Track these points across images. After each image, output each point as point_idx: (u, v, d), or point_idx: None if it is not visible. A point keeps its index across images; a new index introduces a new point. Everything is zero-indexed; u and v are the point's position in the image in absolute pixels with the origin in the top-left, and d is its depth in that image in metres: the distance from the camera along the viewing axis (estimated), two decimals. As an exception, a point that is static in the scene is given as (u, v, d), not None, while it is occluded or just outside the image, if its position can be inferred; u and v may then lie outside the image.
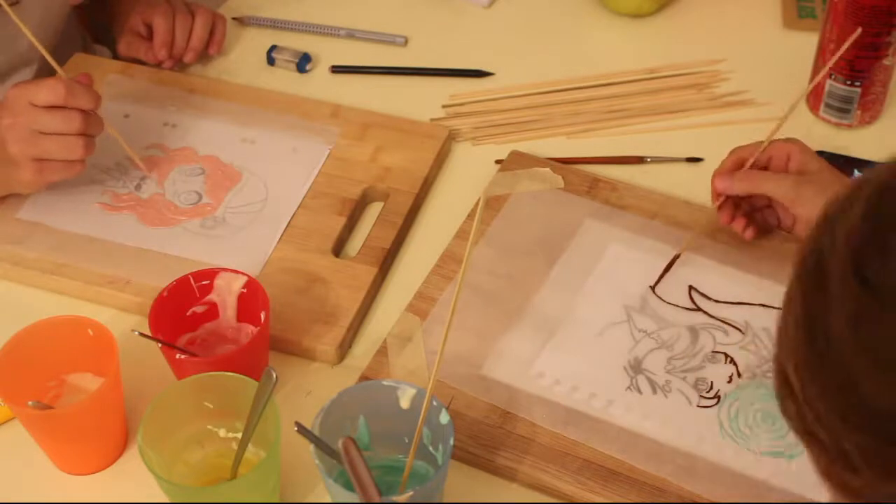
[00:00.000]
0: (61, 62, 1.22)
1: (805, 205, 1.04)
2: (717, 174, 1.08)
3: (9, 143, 1.09)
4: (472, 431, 0.99)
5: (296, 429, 0.88)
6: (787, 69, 1.28)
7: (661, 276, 1.08)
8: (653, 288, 1.08)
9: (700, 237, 1.10)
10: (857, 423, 0.63)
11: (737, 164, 1.08)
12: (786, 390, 0.67)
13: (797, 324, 0.65)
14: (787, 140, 1.08)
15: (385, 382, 0.95)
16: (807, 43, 1.25)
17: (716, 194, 1.09)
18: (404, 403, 0.94)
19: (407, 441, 0.94)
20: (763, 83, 1.28)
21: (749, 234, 1.09)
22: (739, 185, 1.06)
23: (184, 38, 1.31)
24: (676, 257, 1.09)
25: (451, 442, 0.91)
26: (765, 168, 1.08)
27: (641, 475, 0.96)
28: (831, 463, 0.66)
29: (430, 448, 0.94)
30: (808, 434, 0.67)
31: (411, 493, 0.87)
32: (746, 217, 1.09)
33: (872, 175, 0.65)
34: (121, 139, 1.18)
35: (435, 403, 0.92)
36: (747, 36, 1.36)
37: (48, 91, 1.09)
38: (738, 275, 1.09)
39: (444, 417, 0.92)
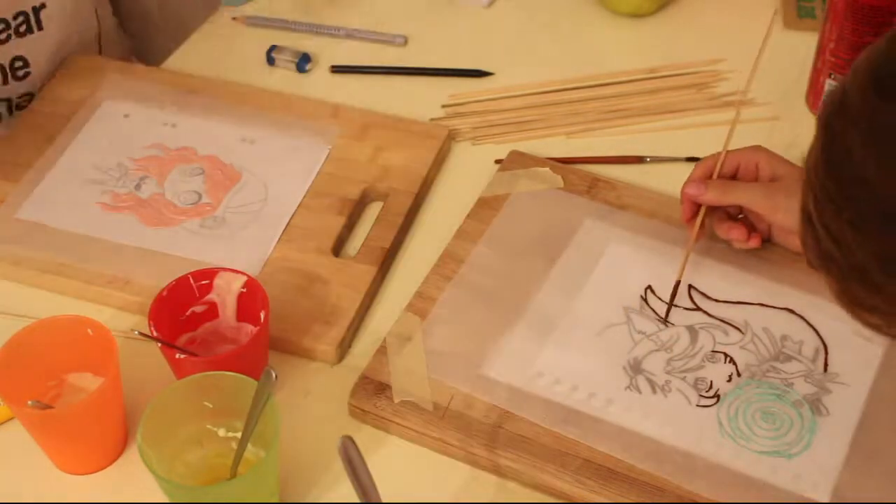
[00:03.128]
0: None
1: (781, 212, 1.05)
2: (687, 182, 1.08)
3: None
4: (471, 430, 0.99)
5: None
6: (786, 69, 1.28)
7: (670, 305, 1.07)
8: (666, 317, 1.07)
9: (700, 238, 1.10)
10: (868, 228, 0.68)
11: (706, 173, 1.08)
12: (806, 226, 0.73)
13: (816, 157, 0.71)
14: (753, 148, 1.08)
15: None
16: (807, 43, 1.25)
17: (686, 207, 1.08)
18: None
19: None
20: (763, 83, 1.28)
21: (754, 241, 1.08)
22: (712, 194, 1.06)
23: None
24: (678, 284, 1.07)
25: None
26: (732, 177, 1.08)
27: (641, 474, 0.96)
28: (846, 282, 0.72)
29: None
30: (824, 258, 0.72)
31: None
32: (738, 225, 1.08)
33: None
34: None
35: None
36: (747, 36, 1.35)
37: None
38: (738, 274, 1.09)
39: None
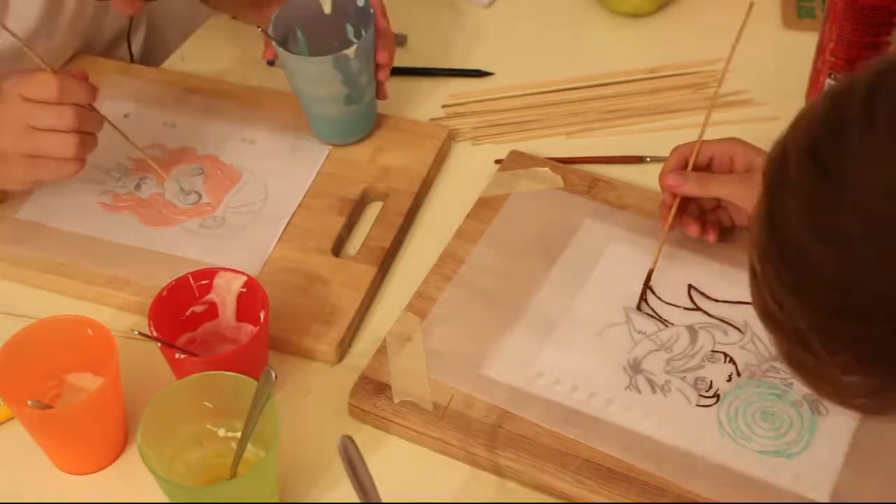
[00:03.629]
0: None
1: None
2: (666, 172, 1.08)
3: (0, 137, 1.07)
4: (471, 430, 0.99)
5: (259, 30, 1.13)
6: (786, 69, 1.28)
7: (642, 295, 1.07)
8: (638, 306, 1.07)
9: (699, 237, 1.10)
10: (807, 297, 0.69)
11: (680, 162, 1.08)
12: (752, 280, 0.74)
13: (760, 214, 0.72)
14: (728, 140, 1.08)
15: None
16: (807, 43, 1.25)
17: (667, 196, 1.08)
18: (326, 9, 1.19)
19: (336, 44, 1.18)
20: (763, 83, 1.28)
21: (712, 236, 1.08)
22: (691, 186, 1.06)
23: None
24: (651, 273, 1.08)
25: (372, 11, 1.16)
26: (707, 168, 1.08)
27: (641, 474, 0.96)
28: (788, 343, 0.72)
29: (355, 41, 1.16)
30: (767, 316, 0.73)
31: (356, 45, 1.13)
32: (699, 220, 1.09)
33: (840, 80, 0.71)
34: (130, 139, 1.16)
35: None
36: (747, 36, 1.35)
37: (40, 85, 1.06)
38: (738, 274, 1.08)
39: (361, 1, 1.17)
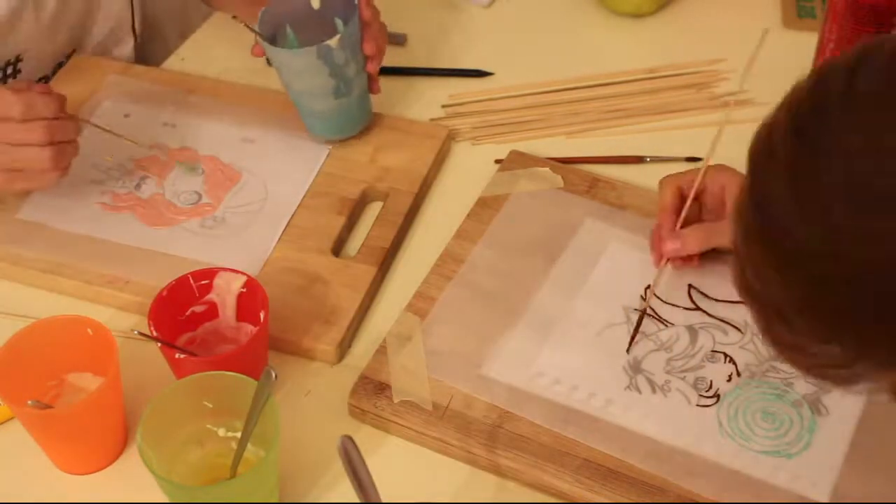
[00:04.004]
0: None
1: None
2: (664, 234, 1.07)
3: None
4: (471, 430, 0.99)
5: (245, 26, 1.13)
6: (786, 69, 1.28)
7: (633, 338, 1.05)
8: (628, 349, 1.06)
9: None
10: (790, 273, 0.69)
11: (677, 196, 1.07)
12: (735, 258, 0.74)
13: (744, 195, 0.72)
14: (718, 168, 1.07)
15: None
16: (807, 43, 1.25)
17: (658, 255, 1.08)
18: (315, 4, 1.19)
19: (326, 40, 1.14)
20: (763, 83, 1.27)
21: (696, 262, 1.08)
22: (692, 246, 1.06)
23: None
24: (643, 314, 1.06)
25: (356, 1, 1.15)
26: (698, 198, 1.07)
27: (641, 474, 0.96)
28: (769, 320, 0.73)
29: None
30: (749, 294, 0.74)
31: (339, 35, 1.13)
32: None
33: (827, 60, 0.72)
34: (125, 137, 1.17)
35: None
36: (747, 36, 1.35)
37: (1, 104, 1.07)
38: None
39: None
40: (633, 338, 1.04)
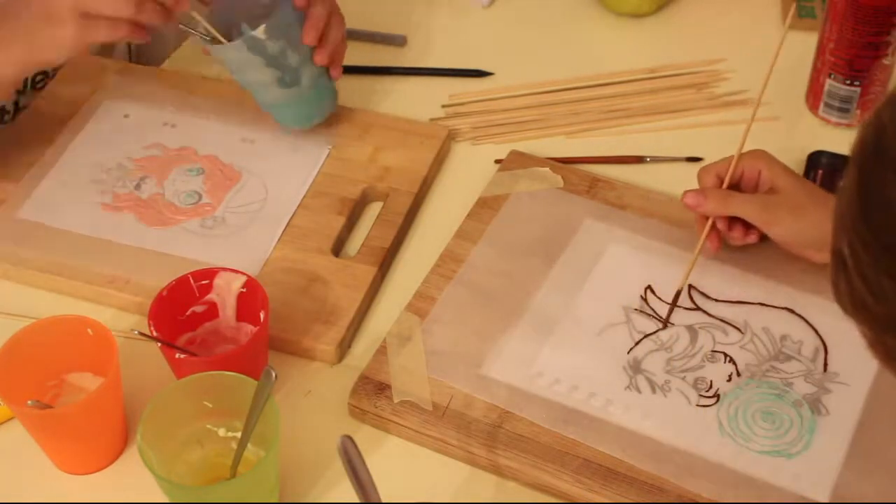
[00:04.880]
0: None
1: (778, 225, 1.05)
2: (688, 192, 1.07)
3: None
4: (471, 430, 0.99)
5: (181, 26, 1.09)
6: (786, 69, 1.28)
7: (670, 312, 1.06)
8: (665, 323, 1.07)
9: (699, 237, 1.10)
10: None
11: (718, 185, 1.07)
12: (839, 270, 0.70)
13: (851, 202, 0.68)
14: (755, 153, 1.07)
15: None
16: (807, 43, 1.25)
17: (699, 218, 1.08)
18: None
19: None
20: (762, 83, 1.28)
21: (752, 237, 1.08)
22: (711, 205, 1.05)
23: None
24: (679, 293, 1.07)
25: None
26: (738, 184, 1.07)
27: (641, 474, 0.96)
28: (881, 333, 0.69)
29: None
30: (858, 306, 0.70)
31: (264, 24, 1.10)
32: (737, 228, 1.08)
33: None
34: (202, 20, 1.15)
35: None
36: (747, 36, 1.36)
37: None
38: (738, 274, 1.09)
39: None
40: (667, 317, 1.06)
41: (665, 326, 1.05)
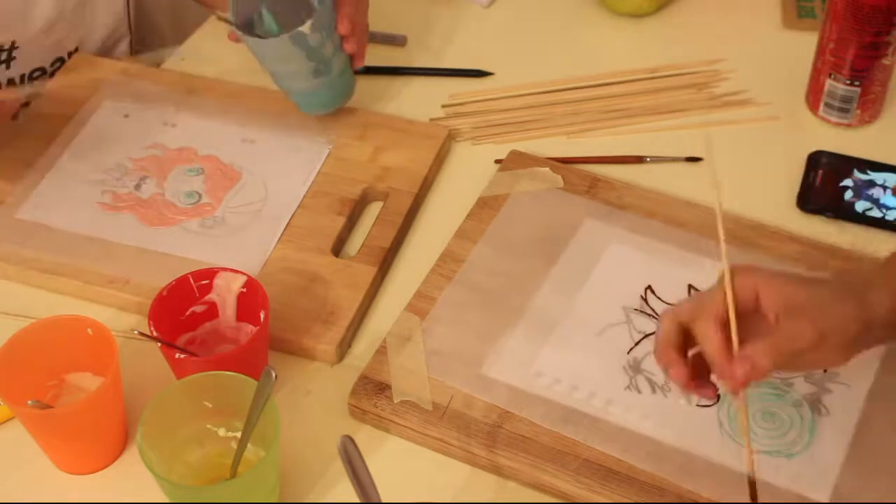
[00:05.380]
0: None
1: (832, 354, 0.88)
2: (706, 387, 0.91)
3: None
4: (471, 430, 0.99)
5: (225, 21, 1.10)
6: (786, 69, 1.29)
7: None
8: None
9: (700, 237, 1.10)
10: None
11: (679, 333, 0.89)
12: None
13: None
14: (743, 271, 0.88)
15: None
16: (806, 43, 1.25)
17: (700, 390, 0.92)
18: None
19: (304, 16, 1.14)
20: (763, 83, 1.28)
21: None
22: (766, 362, 0.86)
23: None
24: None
25: None
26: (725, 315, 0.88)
27: (641, 474, 0.96)
28: None
29: (319, 7, 1.15)
30: None
31: (310, 21, 1.12)
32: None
33: None
34: None
35: None
36: (747, 36, 1.36)
37: None
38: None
39: None
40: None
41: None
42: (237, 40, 1.22)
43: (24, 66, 1.29)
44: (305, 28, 1.13)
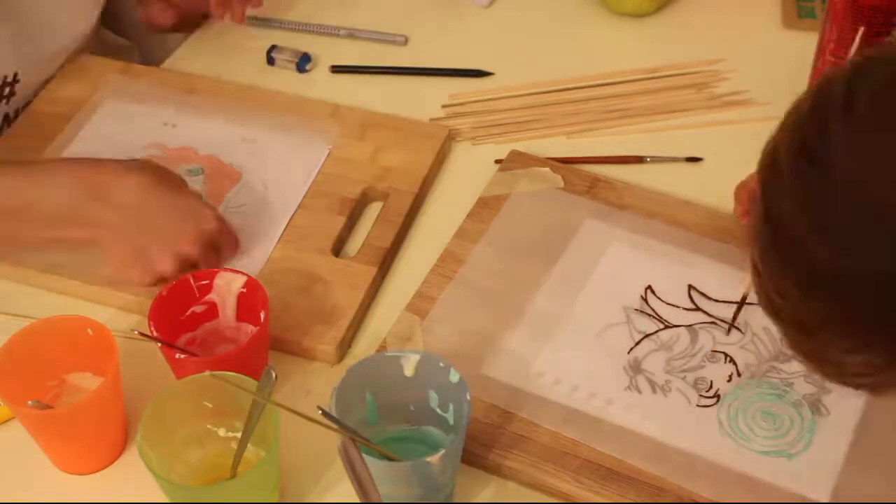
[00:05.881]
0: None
1: None
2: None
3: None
4: (471, 431, 0.99)
5: (319, 412, 0.88)
6: (786, 69, 1.28)
7: (735, 316, 1.05)
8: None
9: (700, 237, 1.10)
10: (810, 290, 0.71)
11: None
12: (755, 276, 0.76)
13: (758, 213, 0.73)
14: None
15: (389, 353, 0.96)
16: (806, 43, 1.25)
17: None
18: (408, 371, 0.96)
19: (412, 409, 0.97)
20: (763, 83, 1.28)
21: None
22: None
23: None
24: (745, 297, 1.05)
25: (468, 397, 0.92)
26: None
27: (641, 474, 0.96)
28: (793, 334, 0.75)
29: (439, 411, 0.96)
30: (772, 311, 0.75)
31: (443, 452, 0.89)
32: None
33: (825, 74, 0.73)
34: None
35: (441, 364, 0.94)
36: (747, 36, 1.36)
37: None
38: (738, 274, 1.09)
39: (454, 376, 0.94)
40: (735, 317, 1.05)
41: (729, 331, 1.04)
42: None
43: None
44: (434, 460, 0.90)
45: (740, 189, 1.09)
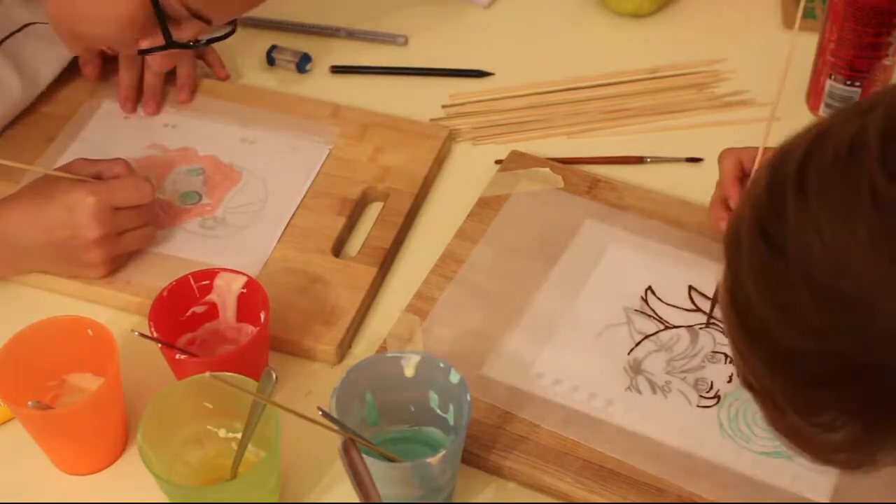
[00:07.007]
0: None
1: None
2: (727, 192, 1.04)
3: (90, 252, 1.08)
4: (471, 431, 0.99)
5: (319, 412, 0.88)
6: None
7: (712, 308, 1.06)
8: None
9: (700, 238, 1.10)
10: (775, 368, 0.71)
11: (738, 168, 1.05)
12: (731, 347, 0.75)
13: (724, 289, 0.74)
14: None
15: (389, 354, 0.96)
16: (807, 43, 1.25)
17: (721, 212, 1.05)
18: (408, 372, 0.96)
19: (412, 409, 0.97)
20: (763, 83, 1.28)
21: None
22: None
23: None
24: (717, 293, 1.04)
25: (468, 398, 0.92)
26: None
27: (641, 475, 0.96)
28: (767, 408, 0.75)
29: (440, 411, 0.96)
30: (746, 384, 0.76)
31: (443, 452, 0.89)
32: None
33: (780, 146, 0.72)
34: None
35: (442, 365, 0.94)
36: (747, 36, 1.36)
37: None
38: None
39: (455, 377, 0.94)
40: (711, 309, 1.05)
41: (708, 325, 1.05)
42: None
43: None
44: (435, 461, 0.91)
45: (713, 205, 1.07)
